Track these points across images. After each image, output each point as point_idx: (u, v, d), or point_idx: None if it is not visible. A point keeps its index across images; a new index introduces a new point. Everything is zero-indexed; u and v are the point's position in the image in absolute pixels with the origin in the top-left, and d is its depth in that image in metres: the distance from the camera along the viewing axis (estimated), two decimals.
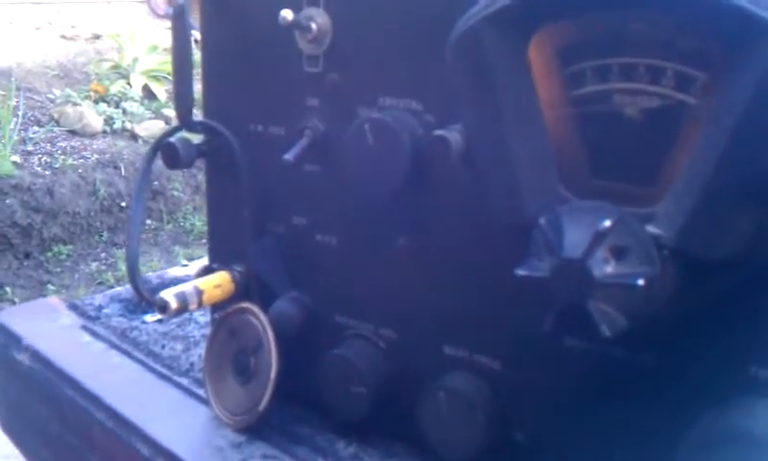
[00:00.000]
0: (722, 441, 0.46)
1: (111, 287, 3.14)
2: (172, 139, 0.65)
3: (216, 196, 0.70)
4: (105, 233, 3.57)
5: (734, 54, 0.42)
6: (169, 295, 0.61)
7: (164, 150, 0.65)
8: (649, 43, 0.47)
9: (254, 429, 0.65)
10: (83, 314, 0.85)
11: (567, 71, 0.50)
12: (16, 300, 3.03)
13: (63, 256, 3.37)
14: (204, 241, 3.70)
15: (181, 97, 0.65)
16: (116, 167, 3.73)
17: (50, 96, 4.19)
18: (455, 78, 0.51)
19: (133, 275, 0.62)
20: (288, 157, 0.61)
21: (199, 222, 3.81)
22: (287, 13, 0.58)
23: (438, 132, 0.51)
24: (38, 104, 4.11)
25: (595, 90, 0.50)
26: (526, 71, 0.50)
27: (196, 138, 0.68)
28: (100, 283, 3.25)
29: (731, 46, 0.43)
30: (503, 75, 0.49)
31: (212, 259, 0.71)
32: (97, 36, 5.03)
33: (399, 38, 0.57)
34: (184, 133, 0.67)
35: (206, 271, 0.68)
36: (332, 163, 0.62)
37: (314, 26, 0.59)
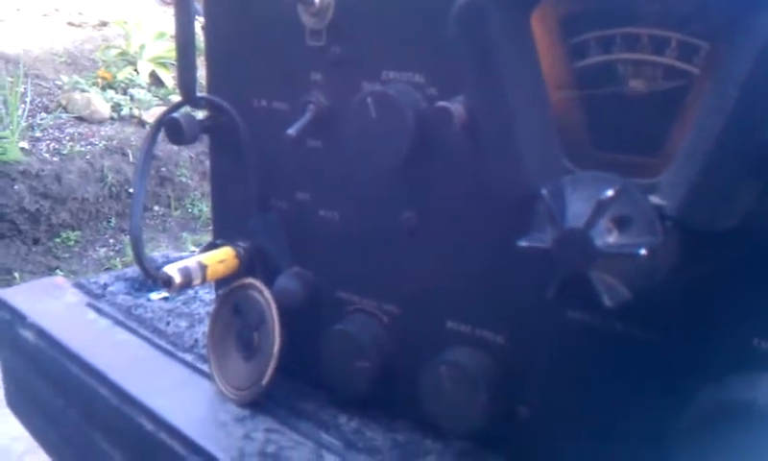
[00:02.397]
0: (724, 413, 0.46)
1: None
2: (175, 115, 0.65)
3: (220, 172, 0.70)
4: (113, 219, 3.58)
5: (737, 23, 0.42)
6: (173, 270, 0.61)
7: (168, 125, 0.65)
8: (653, 13, 0.47)
9: (258, 404, 0.65)
10: (88, 292, 0.85)
11: (570, 42, 0.50)
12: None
13: (72, 242, 3.38)
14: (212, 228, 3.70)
15: (185, 73, 0.65)
16: (124, 154, 3.73)
17: (58, 83, 4.19)
18: (457, 50, 0.51)
19: (137, 250, 0.62)
20: (291, 131, 0.60)
21: (207, 208, 3.80)
22: None
23: (440, 103, 0.51)
24: (46, 90, 4.11)
25: (599, 61, 0.49)
26: (529, 42, 0.50)
27: (200, 115, 0.68)
28: (108, 269, 3.26)
29: (733, 15, 0.42)
30: (505, 47, 0.49)
31: (216, 235, 0.71)
32: (104, 23, 5.02)
33: (402, 11, 0.57)
34: (188, 109, 0.67)
35: (210, 246, 0.68)
36: (335, 138, 0.62)
37: (317, 0, 0.59)
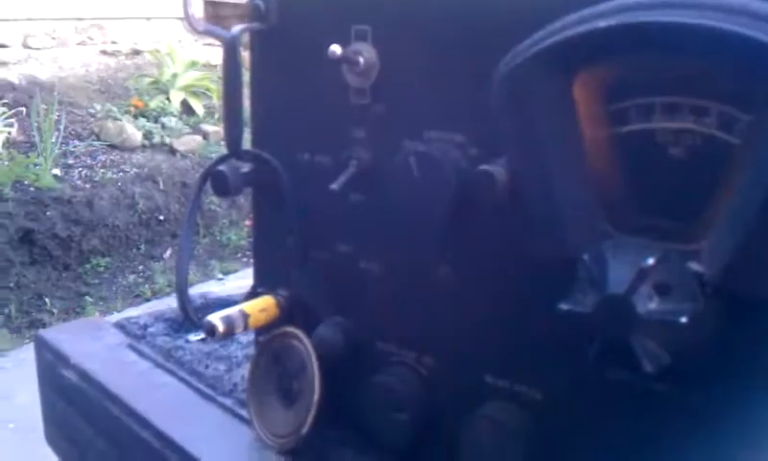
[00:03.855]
0: None
1: (148, 300, 3.19)
2: (221, 167, 0.67)
3: (262, 222, 0.72)
4: (142, 246, 3.62)
5: None
6: (216, 319, 0.62)
7: (214, 177, 0.67)
8: (693, 83, 0.48)
9: (297, 452, 0.66)
10: (128, 333, 0.87)
11: (612, 109, 0.51)
12: (55, 310, 3.09)
13: (102, 269, 3.43)
14: (240, 255, 3.75)
15: (231, 126, 0.67)
16: (155, 181, 3.78)
17: (91, 111, 4.27)
18: (500, 114, 0.52)
19: (183, 301, 0.63)
20: (334, 186, 0.62)
21: (235, 236, 3.85)
22: (336, 48, 0.59)
23: (483, 166, 0.52)
24: (79, 118, 4.18)
25: (639, 128, 0.50)
26: (571, 108, 0.51)
27: (244, 167, 0.69)
28: (137, 296, 3.30)
29: None
30: (548, 112, 0.50)
31: (258, 283, 0.72)
32: (137, 52, 5.11)
33: (445, 72, 0.58)
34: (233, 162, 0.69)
35: (252, 294, 0.69)
36: (377, 193, 0.63)
37: (361, 60, 0.61)
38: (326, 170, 0.65)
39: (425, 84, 0.59)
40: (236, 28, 0.67)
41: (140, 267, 3.54)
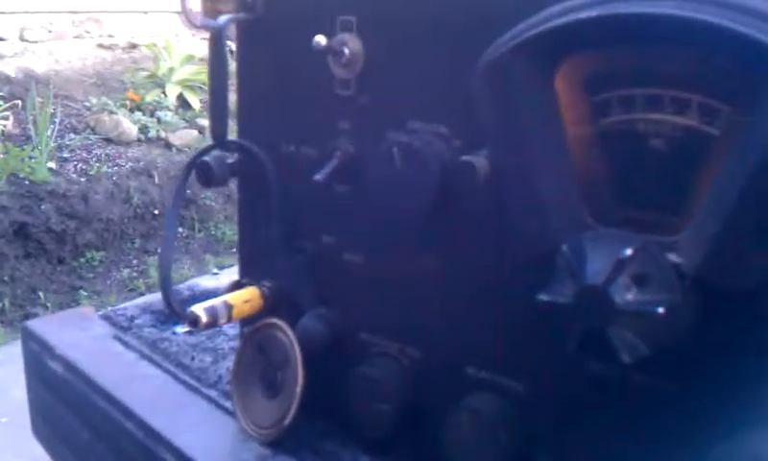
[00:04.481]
0: None
1: (142, 294, 3.19)
2: (206, 158, 0.67)
3: (248, 213, 0.72)
4: (137, 240, 3.61)
5: (759, 90, 0.43)
6: (200, 309, 0.62)
7: (199, 168, 0.67)
8: (674, 75, 0.48)
9: (280, 443, 0.66)
10: (115, 324, 0.87)
11: (593, 100, 0.51)
12: (49, 304, 3.08)
13: (96, 263, 3.42)
14: (235, 250, 3.74)
15: (217, 117, 0.67)
16: (150, 175, 3.77)
17: (86, 104, 4.25)
18: (482, 105, 0.52)
19: (166, 291, 0.63)
20: (318, 177, 0.62)
21: (230, 231, 3.84)
22: (321, 39, 0.59)
23: (465, 157, 0.52)
24: (75, 111, 4.17)
25: (621, 120, 0.50)
26: (552, 100, 0.51)
27: (230, 157, 0.69)
28: (131, 290, 3.29)
29: (755, 82, 0.43)
30: (530, 103, 0.50)
31: (242, 274, 0.72)
32: (134, 46, 5.09)
33: (429, 64, 0.58)
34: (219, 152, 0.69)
35: (236, 286, 0.69)
36: (361, 184, 0.63)
37: (346, 51, 0.61)
38: (311, 161, 0.65)
39: (410, 75, 0.59)
40: (222, 18, 0.67)
41: (135, 261, 3.53)
